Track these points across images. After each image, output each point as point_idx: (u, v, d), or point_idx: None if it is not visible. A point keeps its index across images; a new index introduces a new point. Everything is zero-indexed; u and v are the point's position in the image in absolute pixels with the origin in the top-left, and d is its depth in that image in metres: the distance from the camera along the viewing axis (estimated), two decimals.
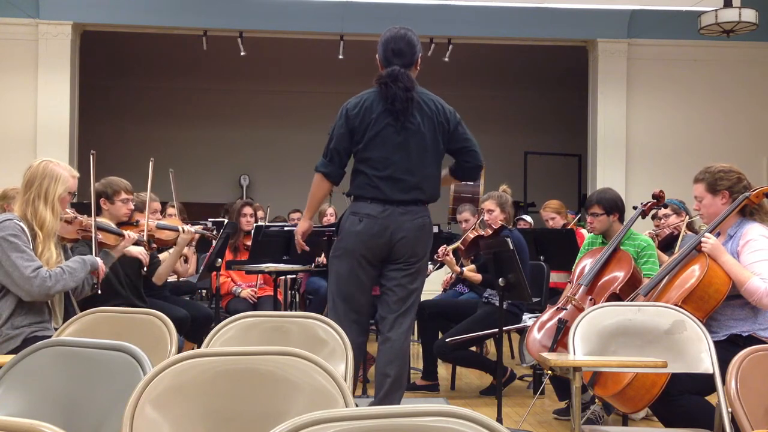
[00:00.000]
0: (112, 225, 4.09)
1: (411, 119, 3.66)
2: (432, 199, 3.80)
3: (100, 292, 3.57)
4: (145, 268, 4.24)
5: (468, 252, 5.27)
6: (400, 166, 3.65)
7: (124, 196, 4.30)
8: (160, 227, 4.51)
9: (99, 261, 3.52)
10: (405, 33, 3.76)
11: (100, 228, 3.88)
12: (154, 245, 4.48)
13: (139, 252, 4.11)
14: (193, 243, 5.05)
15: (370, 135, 3.64)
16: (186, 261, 5.18)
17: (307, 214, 3.89)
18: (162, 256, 4.92)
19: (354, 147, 3.69)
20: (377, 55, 3.79)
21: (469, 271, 5.39)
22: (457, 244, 5.30)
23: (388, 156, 3.64)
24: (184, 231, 4.55)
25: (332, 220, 6.74)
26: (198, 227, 4.96)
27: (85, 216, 3.77)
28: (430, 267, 5.38)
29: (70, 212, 3.68)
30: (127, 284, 4.44)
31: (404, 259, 3.69)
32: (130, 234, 4.04)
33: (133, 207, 4.39)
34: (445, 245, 5.39)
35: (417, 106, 3.69)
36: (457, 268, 5.24)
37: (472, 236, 5.16)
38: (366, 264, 3.68)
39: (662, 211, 5.38)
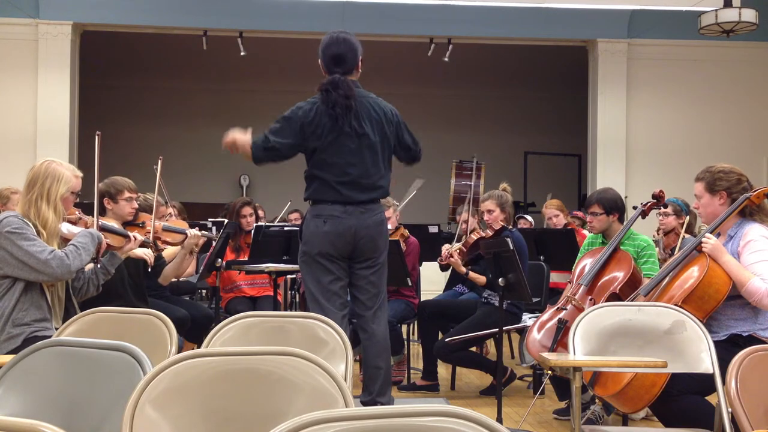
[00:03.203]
0: (118, 226, 4.08)
1: (362, 124, 3.84)
2: (385, 195, 4.02)
3: (99, 266, 3.57)
4: (149, 269, 4.22)
5: (470, 253, 5.27)
6: (356, 170, 3.84)
7: (127, 195, 4.30)
8: (166, 229, 4.47)
9: (102, 236, 3.54)
10: (345, 37, 3.91)
11: (105, 229, 3.88)
12: (161, 247, 4.46)
13: (144, 253, 4.10)
14: (197, 249, 5.06)
15: (324, 143, 3.82)
16: (191, 253, 5.17)
17: (240, 139, 3.93)
18: (167, 254, 4.88)
19: (308, 154, 3.88)
20: (319, 61, 3.94)
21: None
22: (459, 246, 5.28)
23: (344, 162, 3.83)
24: (191, 235, 4.51)
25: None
26: (205, 233, 4.93)
27: (90, 217, 3.77)
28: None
29: (76, 213, 3.69)
30: (131, 286, 4.43)
31: (369, 255, 3.90)
32: (136, 236, 4.03)
33: (137, 206, 4.38)
34: (448, 246, 5.38)
35: (365, 111, 3.87)
36: (463, 269, 5.23)
37: (474, 238, 5.15)
38: (335, 260, 3.87)
39: (662, 210, 5.39)
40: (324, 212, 3.82)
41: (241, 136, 3.93)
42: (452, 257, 5.19)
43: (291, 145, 3.86)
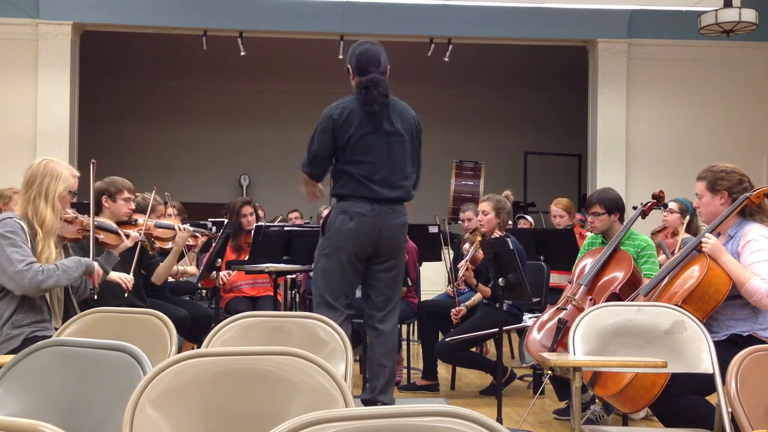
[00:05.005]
0: (114, 225, 4.08)
1: (392, 124, 3.91)
2: (410, 197, 4.05)
3: (96, 297, 3.55)
4: (126, 294, 4.13)
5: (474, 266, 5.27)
6: (385, 167, 3.89)
7: (126, 195, 4.32)
8: (158, 226, 4.52)
9: (95, 265, 3.50)
10: (378, 47, 4.03)
11: (102, 228, 3.89)
12: (157, 245, 4.47)
13: (120, 277, 4.06)
14: (196, 249, 5.05)
15: (354, 140, 3.87)
16: (202, 273, 5.19)
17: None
18: None
19: (339, 152, 3.92)
20: (349, 65, 4.01)
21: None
22: (467, 264, 5.23)
23: (374, 159, 3.88)
24: (181, 229, 4.55)
25: None
26: (197, 229, 4.94)
27: (86, 216, 3.77)
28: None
29: (71, 212, 3.68)
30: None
31: (388, 256, 3.94)
32: (131, 233, 4.04)
33: (134, 207, 4.39)
34: (456, 271, 5.38)
35: (395, 112, 3.94)
36: (474, 281, 5.24)
37: (480, 256, 5.12)
38: (355, 260, 3.90)
39: (668, 207, 5.39)
40: (351, 209, 3.87)
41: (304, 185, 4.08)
42: (468, 271, 5.18)
43: (328, 147, 3.92)
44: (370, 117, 3.86)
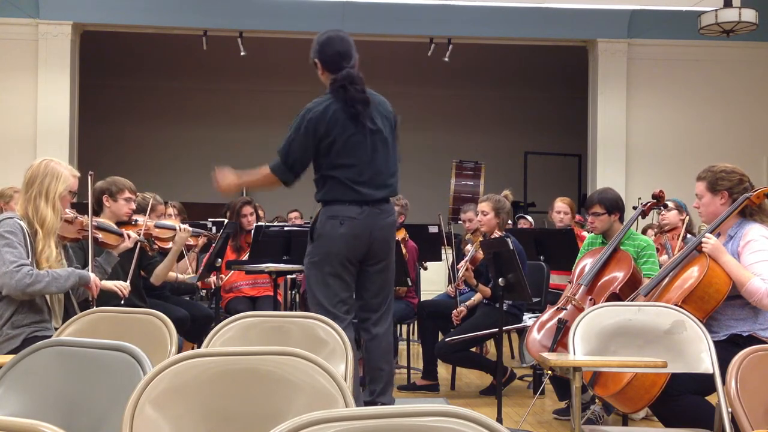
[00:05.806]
0: (113, 225, 4.09)
1: (373, 121, 3.78)
2: (396, 193, 3.95)
3: (95, 306, 3.52)
4: (122, 302, 4.08)
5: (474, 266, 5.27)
6: (371, 168, 3.77)
7: (127, 195, 4.33)
8: (158, 226, 4.53)
9: (91, 277, 3.48)
10: (344, 35, 3.85)
11: (101, 228, 3.89)
12: (156, 246, 4.47)
13: (115, 284, 4.04)
14: (196, 249, 5.04)
15: (339, 144, 3.72)
16: (204, 276, 5.19)
17: (241, 180, 4.06)
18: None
19: (320, 158, 3.77)
20: (315, 59, 3.83)
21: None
22: (467, 265, 5.23)
23: (359, 160, 3.74)
24: (181, 229, 4.56)
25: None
26: (196, 229, 4.95)
27: (86, 216, 3.78)
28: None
29: (71, 213, 3.69)
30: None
31: (381, 258, 3.83)
32: (131, 234, 4.04)
33: (134, 207, 4.39)
34: (456, 271, 5.38)
35: (374, 107, 3.80)
36: (474, 281, 5.23)
37: (480, 256, 5.13)
38: (348, 264, 3.77)
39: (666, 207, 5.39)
40: (340, 213, 3.72)
41: (237, 177, 4.00)
42: (468, 271, 5.17)
43: (310, 152, 3.75)
44: (353, 118, 3.71)
